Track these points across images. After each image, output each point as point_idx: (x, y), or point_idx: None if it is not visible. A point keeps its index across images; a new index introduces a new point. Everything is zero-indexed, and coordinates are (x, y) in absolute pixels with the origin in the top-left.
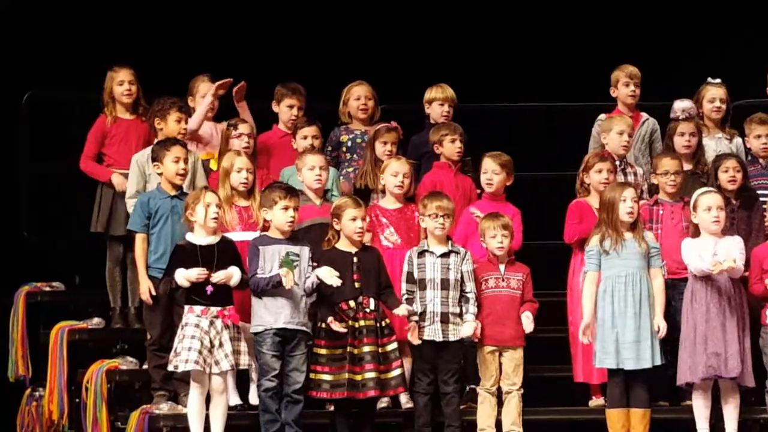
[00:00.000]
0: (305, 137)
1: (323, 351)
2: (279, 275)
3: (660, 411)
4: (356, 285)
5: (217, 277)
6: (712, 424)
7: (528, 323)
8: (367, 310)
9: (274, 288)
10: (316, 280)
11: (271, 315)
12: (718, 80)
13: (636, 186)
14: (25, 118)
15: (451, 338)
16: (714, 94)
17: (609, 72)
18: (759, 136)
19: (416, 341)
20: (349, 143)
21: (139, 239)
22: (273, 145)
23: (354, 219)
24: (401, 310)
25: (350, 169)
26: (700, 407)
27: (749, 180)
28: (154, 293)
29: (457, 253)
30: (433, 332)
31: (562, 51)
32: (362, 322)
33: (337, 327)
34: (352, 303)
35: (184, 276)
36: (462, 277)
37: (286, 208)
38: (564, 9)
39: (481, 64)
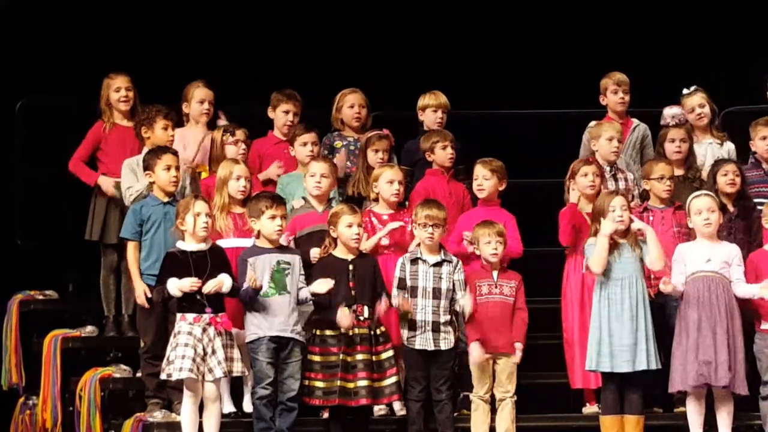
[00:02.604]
0: (304, 144)
1: (317, 358)
2: (248, 287)
3: (654, 417)
4: (352, 293)
5: (208, 287)
6: (705, 431)
7: (518, 354)
8: (361, 318)
9: (254, 297)
10: (310, 296)
11: (265, 323)
12: (692, 88)
13: (627, 191)
14: (18, 125)
15: (443, 347)
16: (692, 103)
17: (597, 78)
18: (765, 138)
19: (409, 308)
20: (342, 150)
21: (131, 246)
22: (268, 151)
23: (350, 225)
24: (383, 306)
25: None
26: (694, 413)
27: (748, 187)
28: (149, 296)
29: (450, 262)
30: (424, 341)
31: (555, 58)
32: (356, 330)
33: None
34: (346, 310)
35: (177, 286)
36: (453, 285)
37: (273, 217)
38: (557, 16)
39: (475, 71)
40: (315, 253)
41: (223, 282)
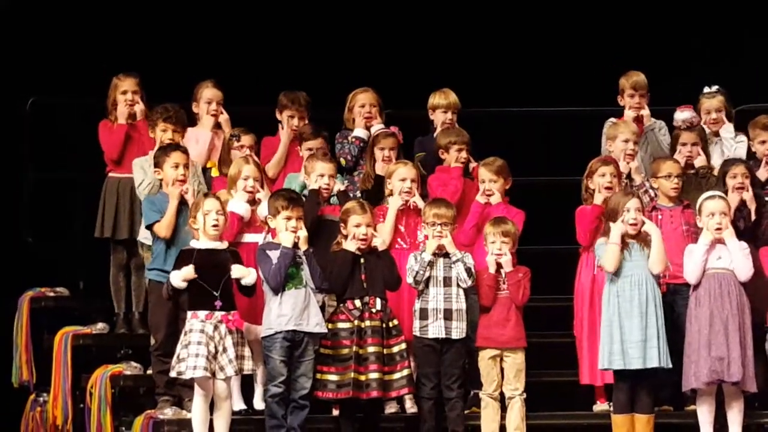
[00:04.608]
0: (310, 149)
1: (329, 351)
2: (282, 247)
3: (664, 416)
4: (363, 285)
5: (236, 270)
6: (716, 429)
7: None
8: (373, 310)
9: (287, 266)
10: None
11: (281, 317)
12: (714, 88)
13: (642, 187)
14: (28, 125)
15: (454, 336)
16: (708, 106)
17: (614, 76)
18: (764, 142)
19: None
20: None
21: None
22: (277, 149)
23: (358, 225)
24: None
25: (354, 172)
26: (705, 412)
27: (759, 182)
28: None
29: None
30: (436, 329)
31: (567, 56)
32: (368, 323)
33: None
34: (357, 302)
35: (180, 278)
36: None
37: (288, 218)
38: (570, 13)
39: (485, 69)
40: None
41: (250, 272)
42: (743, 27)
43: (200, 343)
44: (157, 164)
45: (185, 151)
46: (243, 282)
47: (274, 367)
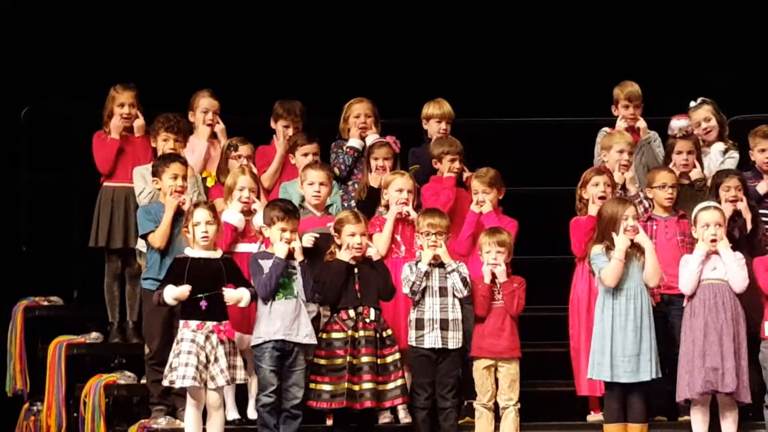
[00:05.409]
0: (305, 154)
1: (323, 361)
2: (274, 257)
3: (658, 426)
4: (357, 296)
5: (228, 297)
6: None
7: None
8: (367, 320)
9: (278, 276)
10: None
11: (271, 326)
12: (699, 100)
13: (636, 197)
14: (24, 132)
15: (450, 346)
16: (697, 117)
17: (608, 86)
18: (763, 150)
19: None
20: (350, 159)
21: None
22: (272, 159)
23: (352, 234)
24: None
25: (349, 182)
26: (699, 422)
27: (755, 194)
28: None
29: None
30: (432, 339)
31: (561, 65)
32: (361, 333)
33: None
34: (351, 312)
35: (172, 296)
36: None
37: (283, 230)
38: (563, 23)
39: (479, 79)
40: (306, 239)
41: (242, 297)
42: (738, 37)
43: (191, 353)
44: (156, 174)
45: (185, 162)
46: (239, 306)
47: (265, 377)
